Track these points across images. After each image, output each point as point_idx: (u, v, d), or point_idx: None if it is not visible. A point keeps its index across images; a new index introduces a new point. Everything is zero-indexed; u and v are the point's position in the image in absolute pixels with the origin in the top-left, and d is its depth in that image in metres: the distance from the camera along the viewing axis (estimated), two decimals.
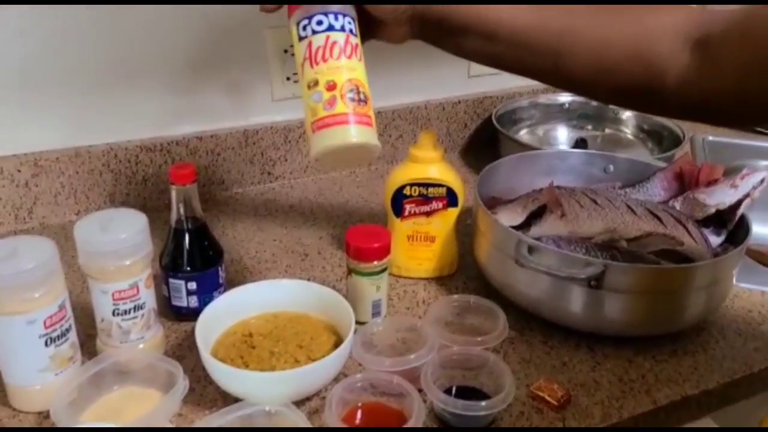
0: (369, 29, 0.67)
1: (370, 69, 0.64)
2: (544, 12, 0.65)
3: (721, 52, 0.59)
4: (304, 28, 0.62)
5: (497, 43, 0.65)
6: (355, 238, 0.75)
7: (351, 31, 0.62)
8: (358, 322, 0.70)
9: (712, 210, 0.80)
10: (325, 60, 0.61)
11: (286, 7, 0.64)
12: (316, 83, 0.60)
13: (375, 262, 0.74)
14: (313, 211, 1.02)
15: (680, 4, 0.64)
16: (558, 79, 0.69)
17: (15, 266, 0.60)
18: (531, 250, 0.72)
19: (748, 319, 0.80)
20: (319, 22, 0.61)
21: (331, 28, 0.61)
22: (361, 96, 0.61)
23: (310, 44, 0.61)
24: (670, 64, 0.61)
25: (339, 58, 0.61)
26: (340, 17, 0.62)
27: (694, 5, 0.63)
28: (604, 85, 0.65)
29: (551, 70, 0.66)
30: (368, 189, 1.10)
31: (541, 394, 0.67)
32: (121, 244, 0.66)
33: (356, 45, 0.62)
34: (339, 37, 0.61)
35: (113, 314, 0.68)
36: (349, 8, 0.63)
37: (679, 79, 0.61)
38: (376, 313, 0.77)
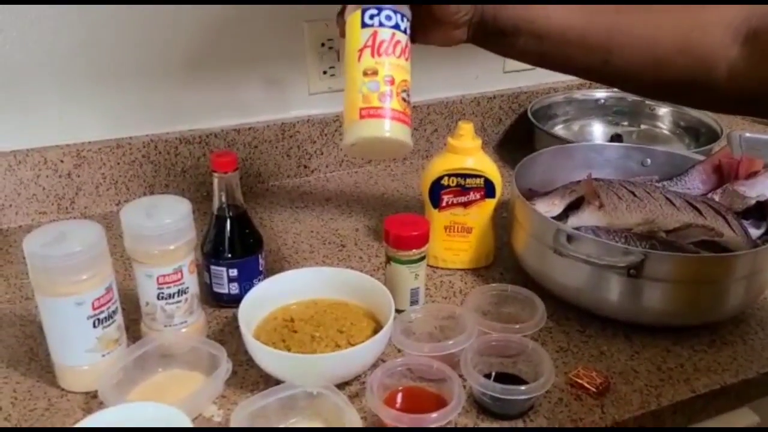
0: (423, 31, 0.68)
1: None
2: (592, 10, 0.66)
3: None
4: (372, 17, 0.63)
5: (547, 42, 0.66)
6: (395, 226, 0.75)
7: (410, 36, 0.65)
8: (396, 310, 0.70)
9: (752, 202, 0.80)
10: (388, 54, 0.62)
11: None
12: (376, 73, 0.62)
13: (414, 250, 0.75)
14: (348, 204, 1.04)
15: (727, 3, 0.63)
16: (608, 77, 0.69)
17: (64, 249, 0.62)
18: (570, 239, 0.72)
19: None
20: (389, 17, 0.63)
21: (397, 26, 0.63)
22: (409, 98, 0.63)
23: (375, 34, 0.62)
24: (720, 58, 0.61)
25: (400, 57, 0.63)
26: (405, 20, 0.64)
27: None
28: (654, 80, 0.66)
29: (601, 67, 0.66)
30: (403, 182, 1.11)
31: (579, 381, 0.67)
32: (165, 228, 0.68)
33: (411, 49, 0.64)
34: (402, 38, 0.63)
35: (158, 298, 0.70)
36: (410, 11, 0.65)
37: (730, 72, 0.61)
38: (414, 301, 0.78)
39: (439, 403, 0.62)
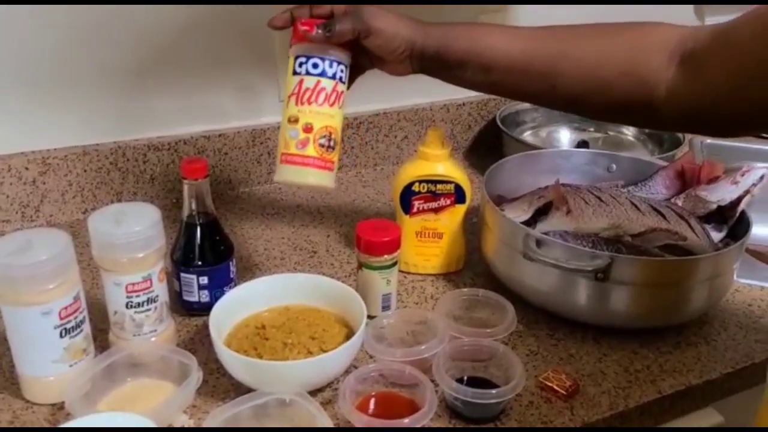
0: (371, 63, 0.73)
1: (376, 70, 0.70)
2: (536, 40, 0.69)
3: (707, 64, 0.61)
4: (300, 65, 0.69)
5: (494, 73, 0.70)
6: (366, 232, 0.76)
7: (341, 78, 0.70)
8: (368, 316, 0.71)
9: (714, 206, 0.82)
10: (309, 103, 0.69)
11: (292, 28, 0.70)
12: (296, 120, 0.69)
13: (385, 256, 0.75)
14: (320, 210, 1.04)
15: (668, 23, 0.66)
16: (555, 101, 0.73)
17: (29, 258, 0.61)
18: (539, 243, 0.73)
19: (749, 313, 0.81)
20: (315, 65, 0.69)
21: (323, 73, 0.69)
22: (331, 143, 0.70)
23: (301, 82, 0.69)
24: (660, 79, 0.64)
25: (323, 104, 0.69)
26: (335, 65, 0.70)
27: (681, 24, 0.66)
28: (599, 103, 0.68)
29: (548, 93, 0.70)
30: (374, 188, 1.11)
31: (549, 383, 0.68)
32: (134, 236, 0.67)
33: (341, 93, 0.71)
34: (328, 84, 0.69)
35: (127, 306, 0.69)
36: (345, 55, 0.71)
37: (668, 92, 0.63)
38: (386, 307, 0.78)
39: (412, 408, 0.62)
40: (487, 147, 1.23)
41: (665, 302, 0.74)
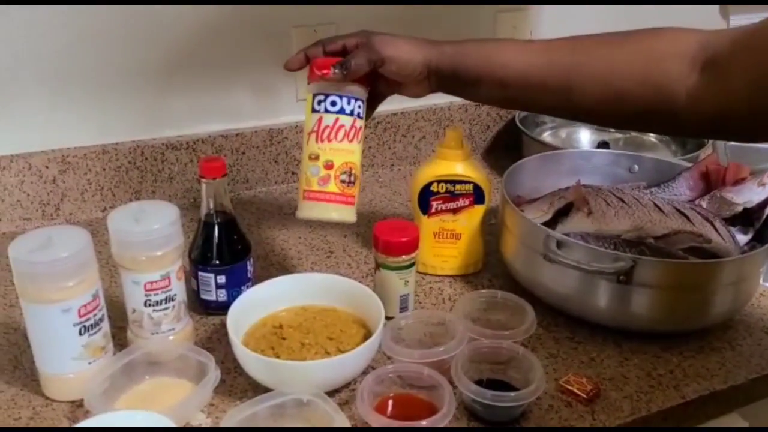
0: (390, 89, 0.74)
1: None
2: (550, 53, 0.69)
3: (729, 70, 0.61)
4: (319, 103, 0.71)
5: (509, 89, 0.70)
6: (384, 232, 0.75)
7: (359, 114, 0.72)
8: (385, 317, 0.70)
9: (740, 208, 0.80)
10: (329, 140, 0.71)
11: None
12: (317, 158, 0.71)
13: (403, 257, 0.75)
14: None
15: (684, 28, 0.65)
16: (573, 113, 0.73)
17: (50, 255, 0.61)
18: (560, 245, 0.72)
19: None
20: (333, 103, 0.71)
21: (342, 111, 0.71)
22: (352, 178, 0.72)
23: (320, 120, 0.71)
24: (680, 86, 0.63)
25: (342, 141, 0.71)
26: (353, 101, 0.71)
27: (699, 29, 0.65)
28: (617, 113, 0.67)
29: (565, 105, 0.69)
30: (391, 189, 1.11)
31: (570, 387, 0.67)
32: (153, 234, 0.67)
33: (360, 128, 0.72)
34: (347, 121, 0.71)
35: (145, 305, 0.69)
36: (362, 90, 0.72)
37: (690, 100, 0.62)
38: (403, 308, 0.77)
39: (430, 410, 0.62)
40: (505, 148, 1.22)
41: (689, 306, 0.72)
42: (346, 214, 0.72)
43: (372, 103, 0.75)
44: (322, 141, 0.71)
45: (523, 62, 0.69)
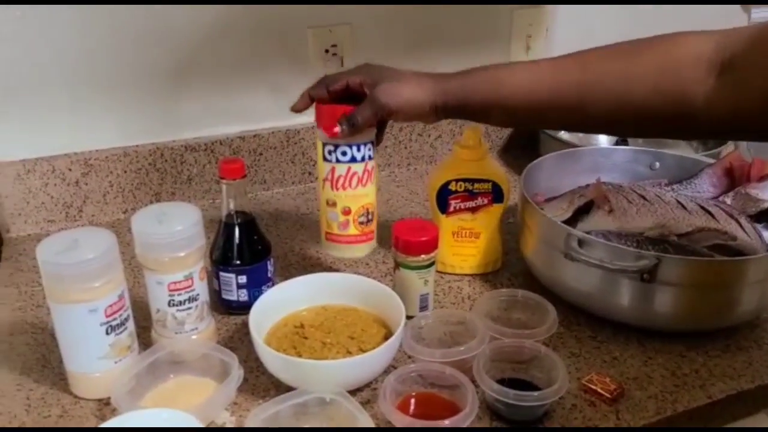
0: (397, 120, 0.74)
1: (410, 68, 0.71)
2: (559, 73, 0.67)
3: (746, 69, 0.60)
4: (330, 153, 0.73)
5: (519, 115, 0.70)
6: (403, 231, 0.75)
7: (369, 156, 0.75)
8: (406, 316, 0.70)
9: (766, 205, 0.80)
10: (344, 188, 0.74)
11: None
12: (335, 204, 0.75)
13: (423, 256, 0.75)
14: None
15: (698, 31, 0.64)
16: (588, 128, 0.73)
17: (77, 256, 0.62)
18: (581, 243, 0.72)
19: None
20: (344, 153, 0.73)
21: (353, 159, 0.73)
22: (369, 216, 0.77)
23: (333, 170, 0.74)
24: (698, 92, 0.62)
25: (356, 187, 0.74)
26: (362, 147, 0.73)
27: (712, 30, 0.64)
28: (634, 124, 0.67)
29: (579, 122, 0.69)
30: (408, 188, 1.11)
31: (593, 387, 0.67)
32: (176, 236, 0.68)
33: (372, 168, 0.75)
34: (359, 168, 0.74)
35: (169, 305, 0.70)
36: (370, 132, 0.74)
37: (709, 103, 0.61)
38: (423, 307, 0.77)
39: (452, 409, 0.62)
40: (522, 146, 1.22)
41: (714, 304, 0.71)
42: (366, 249, 0.78)
43: (379, 132, 0.77)
44: (337, 189, 0.75)
45: (533, 87, 0.68)
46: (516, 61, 0.74)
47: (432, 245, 0.75)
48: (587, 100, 0.66)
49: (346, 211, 0.75)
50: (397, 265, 0.76)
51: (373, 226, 0.77)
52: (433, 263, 0.76)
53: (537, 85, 0.68)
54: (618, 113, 0.65)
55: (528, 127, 0.73)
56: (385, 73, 0.72)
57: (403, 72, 0.73)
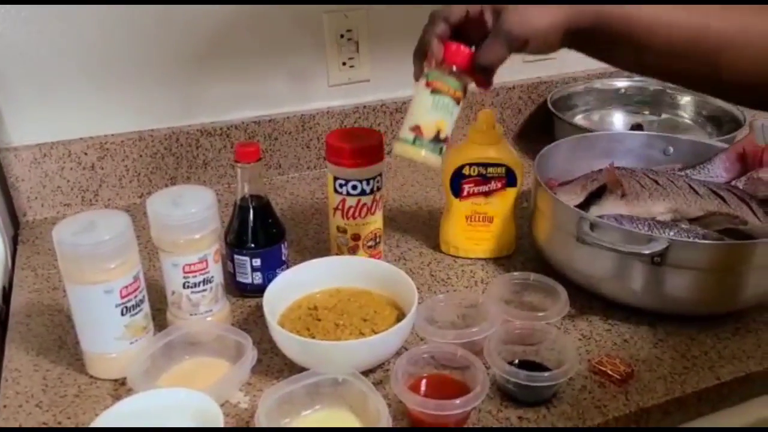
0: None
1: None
2: (703, 14, 0.58)
3: None
4: (341, 186, 0.78)
5: (650, 54, 0.60)
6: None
7: (378, 188, 0.79)
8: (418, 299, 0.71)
9: None
10: (354, 218, 0.79)
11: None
12: (345, 231, 0.80)
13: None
14: None
15: None
16: (714, 87, 0.62)
17: (93, 237, 0.63)
18: (593, 227, 0.72)
19: None
20: (354, 187, 0.77)
21: (362, 193, 0.78)
22: (377, 239, 0.82)
23: (343, 201, 0.79)
24: None
25: (366, 217, 0.79)
26: (371, 181, 0.78)
27: None
28: None
29: (708, 76, 0.60)
30: (422, 173, 1.11)
31: (603, 368, 0.67)
32: (191, 218, 0.69)
33: (380, 198, 0.80)
34: (368, 200, 0.79)
35: (183, 287, 0.71)
36: (380, 165, 0.78)
37: None
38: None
39: (463, 389, 0.62)
40: (537, 131, 1.22)
41: (724, 288, 0.71)
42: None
43: (490, 72, 0.65)
44: (347, 218, 0.79)
45: (672, 25, 0.58)
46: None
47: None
48: (729, 51, 0.57)
49: (356, 237, 0.80)
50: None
51: (380, 247, 0.83)
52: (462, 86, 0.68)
53: (678, 22, 0.58)
54: (764, 75, 0.57)
55: (650, 74, 0.62)
56: (515, 8, 0.60)
57: None
